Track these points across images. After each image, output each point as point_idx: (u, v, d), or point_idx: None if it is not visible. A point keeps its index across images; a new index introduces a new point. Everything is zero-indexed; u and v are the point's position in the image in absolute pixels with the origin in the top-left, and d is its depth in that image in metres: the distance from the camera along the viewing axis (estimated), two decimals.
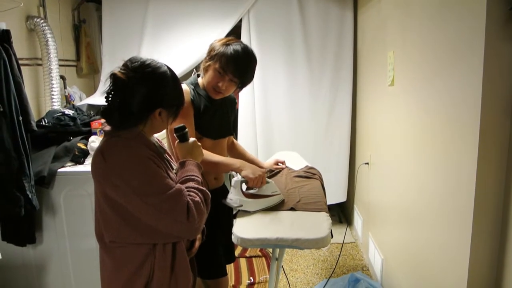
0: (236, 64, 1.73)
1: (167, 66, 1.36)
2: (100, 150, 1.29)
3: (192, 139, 1.50)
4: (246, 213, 1.74)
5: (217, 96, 1.82)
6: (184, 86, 1.78)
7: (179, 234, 1.31)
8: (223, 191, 1.95)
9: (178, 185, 1.30)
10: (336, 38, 3.51)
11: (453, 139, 1.60)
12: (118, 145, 1.27)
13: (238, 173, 1.80)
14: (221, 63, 1.73)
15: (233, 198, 1.77)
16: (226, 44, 1.75)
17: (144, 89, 1.27)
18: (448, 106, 1.65)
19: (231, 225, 1.67)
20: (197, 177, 1.37)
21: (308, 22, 3.48)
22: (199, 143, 1.54)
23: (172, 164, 1.48)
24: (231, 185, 1.82)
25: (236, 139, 2.15)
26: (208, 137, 1.85)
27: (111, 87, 1.29)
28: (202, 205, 1.30)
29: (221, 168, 1.84)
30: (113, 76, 1.28)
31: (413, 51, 2.07)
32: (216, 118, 1.87)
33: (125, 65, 1.30)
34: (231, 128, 2.03)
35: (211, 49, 1.79)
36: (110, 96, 1.29)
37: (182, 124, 1.48)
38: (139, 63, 1.30)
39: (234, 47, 1.74)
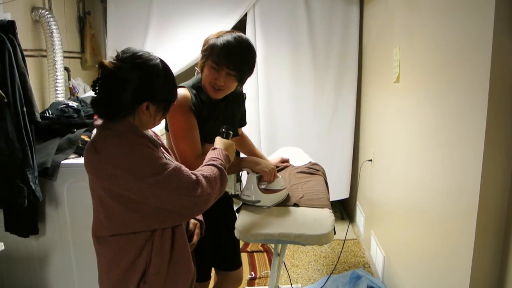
0: (229, 55, 1.60)
1: (161, 61, 1.31)
2: (92, 143, 1.27)
3: (230, 142, 1.56)
4: (260, 208, 1.74)
5: (217, 94, 1.70)
6: (185, 92, 1.68)
7: (188, 211, 1.29)
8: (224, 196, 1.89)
9: (176, 163, 1.30)
10: (342, 34, 3.49)
11: (458, 137, 1.59)
12: (109, 137, 1.26)
13: (251, 169, 1.77)
14: (213, 57, 1.61)
15: (250, 194, 1.76)
16: (217, 37, 1.63)
17: (131, 80, 1.24)
18: (454, 103, 1.64)
19: (230, 230, 1.61)
20: (221, 160, 1.41)
21: (313, 18, 3.46)
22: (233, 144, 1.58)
23: (167, 157, 1.45)
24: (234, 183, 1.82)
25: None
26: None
27: (99, 77, 1.26)
28: (212, 178, 1.31)
29: (232, 168, 1.73)
30: (100, 65, 1.25)
31: (419, 48, 2.06)
32: (221, 123, 1.72)
33: (116, 55, 1.27)
34: (237, 130, 1.98)
35: (204, 44, 1.68)
36: (97, 85, 1.26)
37: (227, 126, 1.57)
38: (129, 54, 1.27)
39: (225, 37, 1.62)
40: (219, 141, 1.53)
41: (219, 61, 1.60)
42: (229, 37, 1.62)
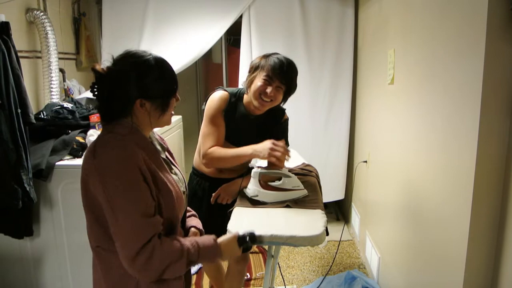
0: (282, 70, 1.80)
1: (156, 57, 1.28)
2: (93, 145, 1.25)
3: (236, 250, 1.37)
4: (264, 204, 1.77)
5: (263, 106, 1.86)
6: (225, 96, 1.91)
7: (123, 263, 1.20)
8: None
9: (157, 216, 1.21)
10: (337, 36, 3.50)
11: (452, 138, 1.60)
12: (110, 144, 1.22)
13: (256, 163, 1.84)
14: (267, 70, 1.80)
15: (251, 188, 1.81)
16: (267, 56, 1.84)
17: (122, 78, 1.23)
18: (448, 105, 1.65)
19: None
20: (197, 256, 1.26)
21: (308, 19, 3.47)
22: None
23: (173, 165, 1.45)
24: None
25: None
26: (233, 144, 1.91)
27: (93, 81, 1.26)
28: (162, 261, 1.18)
29: (233, 160, 1.86)
30: (92, 70, 1.25)
31: (413, 49, 2.07)
32: (245, 132, 1.90)
33: (112, 58, 1.27)
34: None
35: (252, 65, 1.88)
36: (94, 90, 1.27)
37: (252, 235, 1.39)
38: (122, 54, 1.26)
39: (277, 56, 1.83)
40: (226, 243, 1.34)
41: (273, 74, 1.80)
42: (280, 56, 1.84)
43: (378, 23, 2.80)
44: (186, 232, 1.53)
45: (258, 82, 1.82)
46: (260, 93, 1.82)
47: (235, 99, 1.93)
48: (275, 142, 1.76)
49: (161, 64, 1.28)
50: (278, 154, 1.74)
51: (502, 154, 1.40)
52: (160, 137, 1.50)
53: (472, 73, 1.43)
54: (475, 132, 1.40)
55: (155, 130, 1.45)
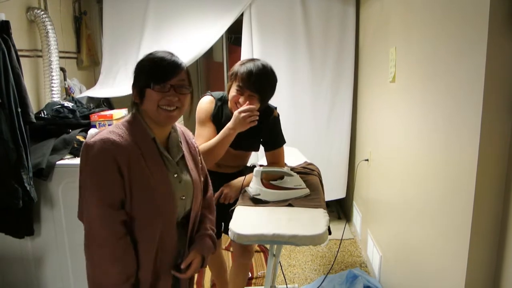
0: (253, 78, 1.82)
1: (146, 55, 1.36)
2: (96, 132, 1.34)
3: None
4: (266, 203, 1.79)
5: None
6: (210, 102, 1.99)
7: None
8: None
9: (121, 211, 1.29)
10: (338, 34, 3.49)
11: (454, 136, 1.59)
12: (100, 132, 1.31)
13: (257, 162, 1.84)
14: (239, 79, 1.84)
15: (253, 186, 1.82)
16: (243, 63, 1.88)
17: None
18: (449, 103, 1.64)
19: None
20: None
21: (310, 18, 3.46)
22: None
23: (183, 169, 1.45)
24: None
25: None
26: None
27: None
28: (101, 256, 1.28)
29: (219, 147, 1.88)
30: None
31: (415, 47, 2.06)
32: (236, 136, 1.90)
33: None
34: (253, 145, 2.09)
35: (231, 72, 1.91)
36: None
37: None
38: None
39: (250, 64, 1.86)
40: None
41: (243, 83, 1.83)
42: (253, 63, 1.86)
43: (380, 21, 2.79)
44: (191, 237, 1.50)
45: (232, 91, 1.88)
46: (235, 102, 1.88)
47: (221, 102, 2.00)
48: (241, 109, 1.82)
49: (141, 60, 1.36)
50: (254, 117, 1.82)
51: (504, 153, 1.39)
52: (191, 142, 1.54)
53: (474, 71, 1.42)
54: (477, 130, 1.39)
55: (187, 134, 1.55)
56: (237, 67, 1.89)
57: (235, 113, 1.83)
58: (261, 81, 1.84)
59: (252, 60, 1.91)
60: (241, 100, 1.85)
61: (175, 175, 1.40)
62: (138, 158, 1.30)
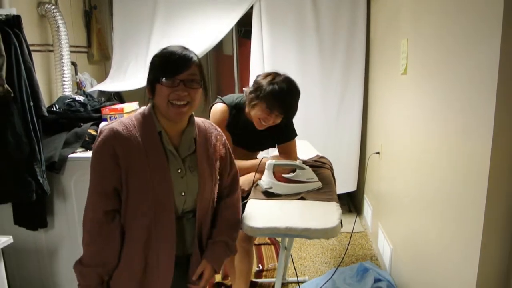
0: (282, 102, 1.84)
1: (159, 51, 1.37)
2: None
3: None
4: (278, 196, 1.80)
5: (263, 127, 1.93)
6: (223, 107, 1.96)
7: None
8: None
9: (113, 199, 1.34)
10: (349, 26, 3.46)
11: (466, 129, 1.57)
12: (115, 122, 1.37)
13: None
14: (267, 103, 1.83)
15: (265, 180, 1.83)
16: (272, 83, 1.85)
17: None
18: (462, 95, 1.62)
19: None
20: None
21: (320, 10, 3.43)
22: None
23: (192, 166, 1.43)
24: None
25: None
26: (241, 147, 1.99)
27: None
28: (101, 234, 1.34)
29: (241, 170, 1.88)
30: None
31: (427, 39, 2.03)
32: (250, 138, 1.96)
33: None
34: (268, 144, 2.17)
35: (257, 86, 1.88)
36: None
37: None
38: None
39: (279, 85, 1.84)
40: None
41: (273, 107, 1.84)
42: (283, 84, 1.85)
43: (391, 13, 2.76)
44: (200, 232, 1.47)
45: (258, 111, 1.87)
46: (260, 119, 1.89)
47: (236, 110, 1.98)
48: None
49: (158, 52, 1.36)
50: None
51: None
52: (211, 140, 1.48)
53: (487, 62, 1.39)
54: (490, 122, 1.37)
55: (210, 131, 1.50)
56: (264, 83, 1.86)
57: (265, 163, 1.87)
58: (290, 101, 1.88)
59: (280, 77, 1.89)
60: (268, 120, 1.88)
61: (178, 170, 1.38)
62: (139, 150, 1.31)
